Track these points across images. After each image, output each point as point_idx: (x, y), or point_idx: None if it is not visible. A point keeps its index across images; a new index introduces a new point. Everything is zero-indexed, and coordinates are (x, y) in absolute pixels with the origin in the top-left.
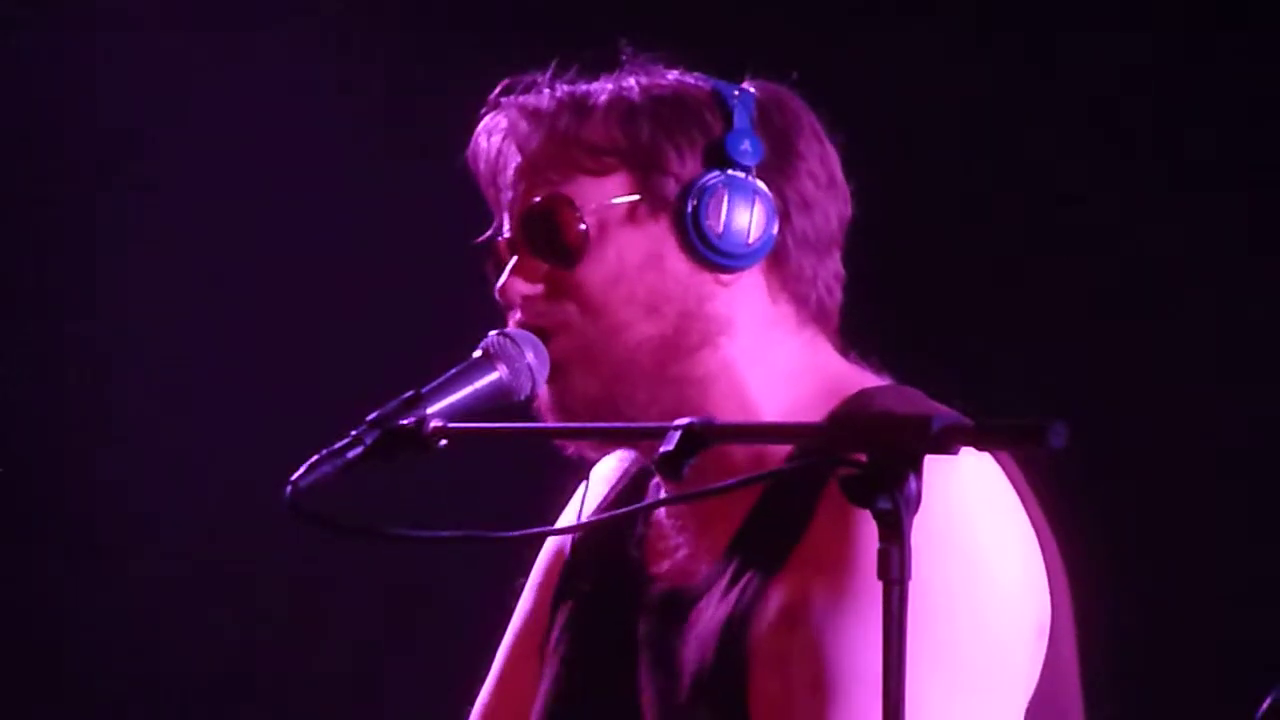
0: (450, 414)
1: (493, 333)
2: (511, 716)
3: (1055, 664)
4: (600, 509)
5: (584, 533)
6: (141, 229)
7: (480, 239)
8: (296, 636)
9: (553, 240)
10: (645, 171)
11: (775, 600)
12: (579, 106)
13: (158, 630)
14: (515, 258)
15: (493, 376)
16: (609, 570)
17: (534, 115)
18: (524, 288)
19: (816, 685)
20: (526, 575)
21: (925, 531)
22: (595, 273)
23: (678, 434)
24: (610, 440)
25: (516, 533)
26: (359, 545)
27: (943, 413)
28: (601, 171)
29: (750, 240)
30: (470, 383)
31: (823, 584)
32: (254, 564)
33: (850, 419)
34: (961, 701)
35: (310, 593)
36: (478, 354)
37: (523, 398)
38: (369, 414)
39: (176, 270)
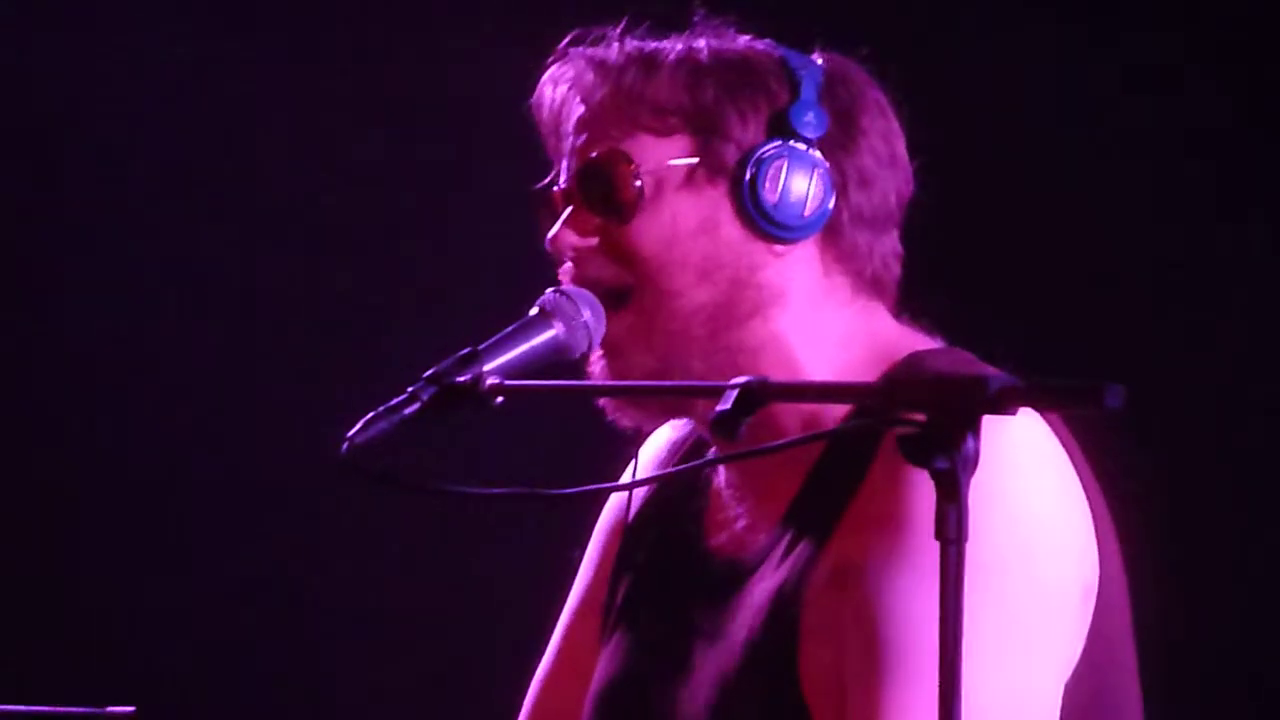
0: (506, 371)
1: (550, 290)
2: (572, 688)
3: (1103, 627)
4: (658, 484)
5: (643, 507)
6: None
7: (536, 187)
8: (350, 597)
9: (608, 195)
10: (706, 135)
11: (828, 565)
12: (647, 63)
13: (216, 592)
14: (569, 210)
15: (549, 334)
16: (667, 544)
17: (601, 68)
18: (575, 240)
19: (868, 646)
20: (582, 544)
21: (976, 490)
22: (649, 232)
23: (734, 393)
24: (667, 400)
25: (569, 490)
26: (414, 503)
27: (995, 374)
28: (663, 131)
29: (805, 213)
30: (527, 340)
31: (877, 544)
32: (308, 524)
33: (907, 379)
34: (1008, 658)
35: (365, 555)
36: (534, 311)
37: (579, 355)
38: (425, 371)
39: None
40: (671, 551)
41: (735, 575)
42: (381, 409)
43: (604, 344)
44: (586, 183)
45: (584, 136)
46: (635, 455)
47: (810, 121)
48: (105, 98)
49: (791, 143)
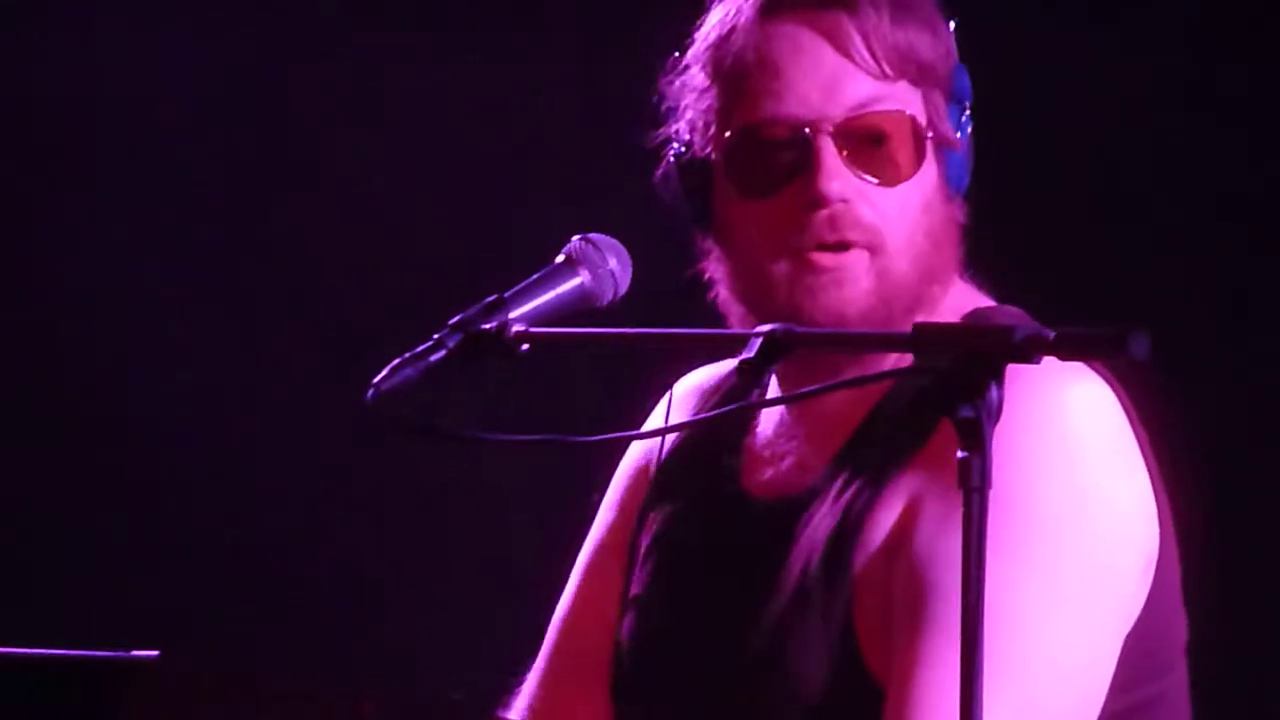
0: (533, 318)
1: (575, 238)
2: (593, 629)
3: (1160, 593)
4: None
5: (674, 450)
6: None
7: (766, 118)
8: (374, 543)
9: (888, 156)
10: (955, 100)
11: (884, 511)
12: (923, 21)
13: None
14: (831, 161)
15: (575, 281)
16: (704, 480)
17: (864, 21)
18: (845, 192)
19: (915, 596)
20: (602, 488)
21: (1040, 454)
22: (913, 197)
23: (759, 341)
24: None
25: (597, 437)
26: (439, 449)
27: (1026, 324)
28: (930, 94)
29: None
30: (553, 287)
31: (932, 497)
32: (337, 472)
33: (931, 328)
34: (1064, 620)
35: (390, 501)
36: (560, 259)
37: (605, 303)
38: (451, 318)
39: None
40: (708, 488)
41: (782, 512)
42: (408, 356)
43: (832, 272)
44: (862, 139)
45: (853, 90)
46: (670, 393)
47: (967, 85)
48: (132, 96)
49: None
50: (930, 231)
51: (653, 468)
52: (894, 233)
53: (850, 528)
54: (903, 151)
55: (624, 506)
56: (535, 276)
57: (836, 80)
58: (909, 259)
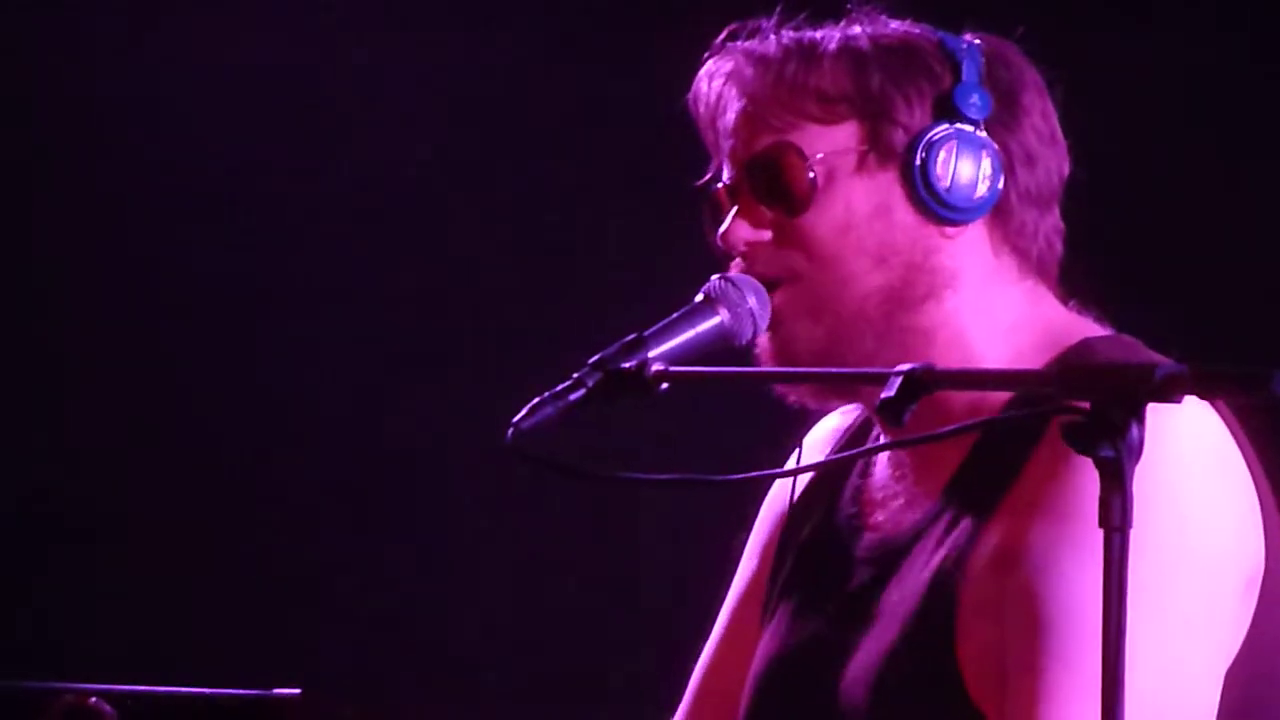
0: (671, 357)
1: (714, 277)
2: (735, 674)
3: (1267, 618)
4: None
5: (805, 493)
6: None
7: (698, 184)
8: (513, 583)
9: (780, 187)
10: (874, 121)
11: (988, 545)
12: (807, 53)
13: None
14: (737, 205)
15: (714, 320)
16: (825, 525)
17: (760, 61)
18: (749, 234)
19: (1030, 630)
20: (745, 532)
21: (1141, 478)
22: (824, 222)
23: (899, 380)
24: (831, 386)
25: (733, 476)
26: (581, 489)
27: (1163, 362)
28: (830, 120)
29: (976, 194)
30: (692, 326)
31: (1039, 529)
32: (474, 509)
33: (1073, 366)
34: (1168, 646)
35: (530, 541)
36: (699, 298)
37: (744, 342)
38: (591, 357)
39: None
40: (832, 533)
41: (893, 552)
42: (548, 395)
43: (771, 318)
44: (756, 176)
45: (747, 130)
46: (800, 443)
47: (975, 103)
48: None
49: (958, 125)
50: (865, 250)
51: (785, 514)
52: (815, 258)
53: (953, 565)
54: (797, 181)
55: (763, 551)
56: (674, 315)
57: (730, 126)
58: (842, 281)
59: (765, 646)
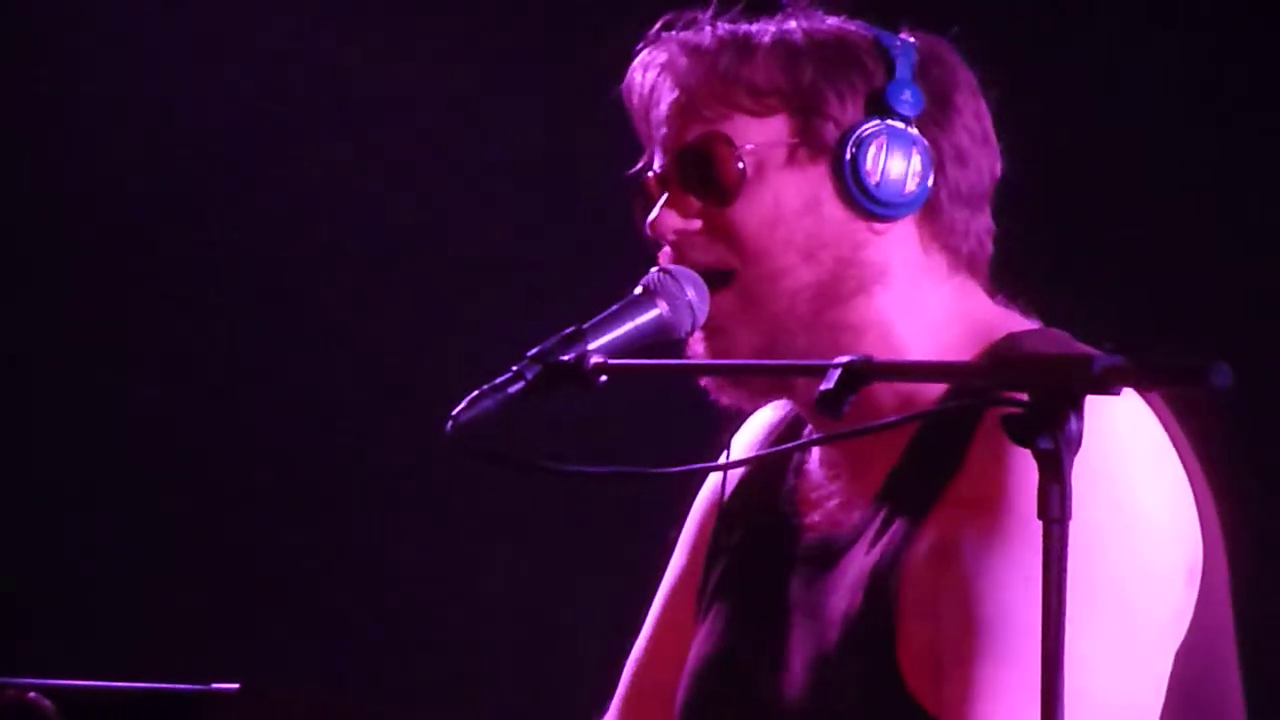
0: (610, 350)
1: (653, 269)
2: (667, 670)
3: (1208, 609)
4: (753, 466)
5: (737, 489)
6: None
7: (630, 173)
8: (450, 575)
9: (709, 177)
10: (805, 115)
11: (925, 542)
12: (741, 46)
13: (329, 560)
14: (667, 194)
15: (653, 313)
16: (760, 525)
17: (694, 52)
18: (677, 223)
19: (965, 624)
20: (678, 526)
21: (1077, 470)
22: (752, 213)
23: (838, 372)
24: (769, 379)
25: (667, 470)
26: (518, 481)
27: (1098, 355)
28: (761, 112)
29: (906, 190)
30: (631, 319)
31: (975, 523)
32: (408, 501)
33: (1009, 359)
34: (1108, 639)
35: (468, 532)
36: (638, 290)
37: (683, 334)
38: (529, 350)
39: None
40: (766, 531)
41: (830, 553)
42: (486, 387)
43: (707, 323)
44: (686, 166)
45: (679, 120)
46: (729, 440)
47: (907, 100)
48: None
49: (889, 121)
50: (794, 244)
51: (717, 511)
52: (744, 250)
53: (890, 563)
54: (726, 171)
55: (694, 547)
56: (613, 308)
57: (664, 116)
58: (772, 275)
59: (700, 646)
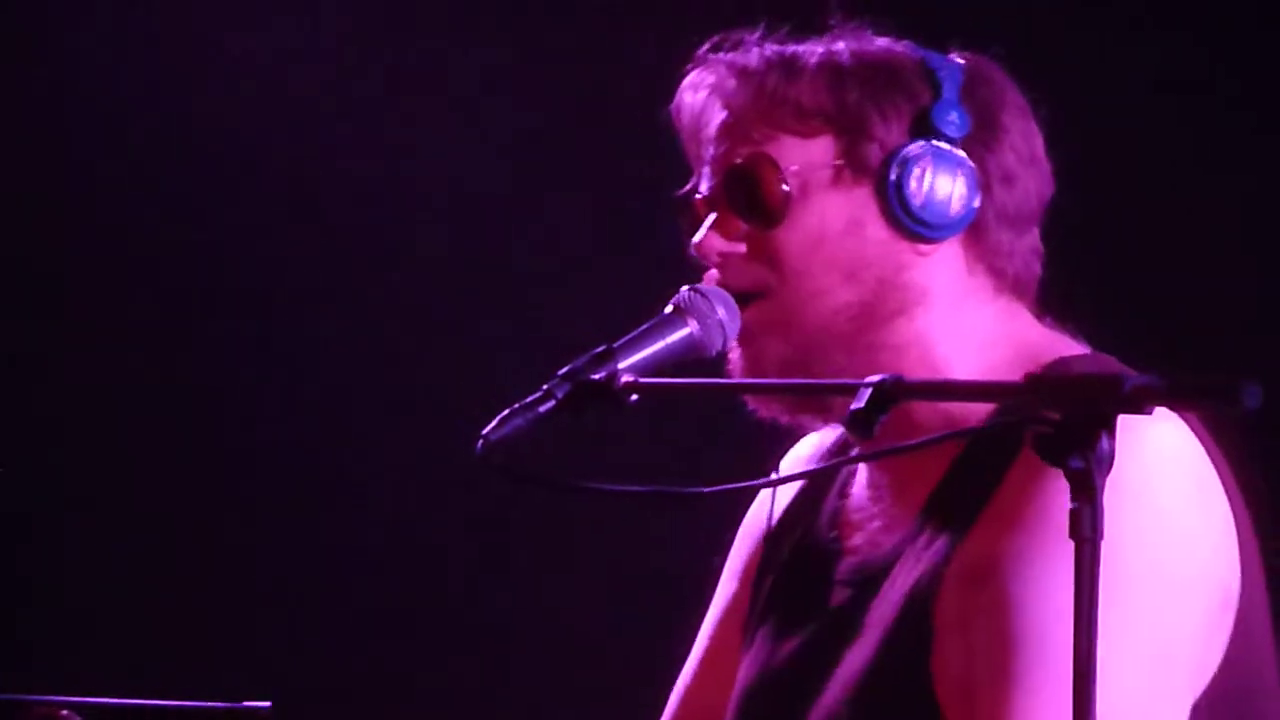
0: (641, 369)
1: (684, 288)
2: (714, 695)
3: (1245, 632)
4: (799, 491)
5: (784, 513)
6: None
7: (678, 193)
8: (482, 596)
9: (754, 200)
10: (851, 136)
11: (962, 561)
12: (788, 67)
13: (359, 585)
14: (713, 215)
15: (684, 332)
16: (805, 547)
17: (742, 73)
18: (722, 245)
19: (996, 643)
20: (723, 551)
21: (1110, 490)
22: (796, 235)
23: (868, 391)
24: (801, 399)
25: (706, 489)
26: (553, 501)
27: (1127, 374)
28: (807, 134)
29: (951, 212)
30: (661, 338)
31: (1009, 541)
32: (443, 521)
33: (1040, 378)
34: (1136, 660)
35: (502, 551)
36: (669, 309)
37: (714, 353)
38: (560, 369)
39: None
40: (811, 554)
41: (871, 574)
42: (517, 406)
43: (740, 334)
44: (732, 188)
45: (727, 142)
46: (777, 464)
47: (953, 121)
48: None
49: (935, 142)
50: (837, 264)
51: (763, 537)
52: (786, 271)
53: (928, 582)
54: (771, 194)
55: (742, 572)
56: (644, 327)
57: (712, 137)
58: (811, 295)
59: (746, 669)
